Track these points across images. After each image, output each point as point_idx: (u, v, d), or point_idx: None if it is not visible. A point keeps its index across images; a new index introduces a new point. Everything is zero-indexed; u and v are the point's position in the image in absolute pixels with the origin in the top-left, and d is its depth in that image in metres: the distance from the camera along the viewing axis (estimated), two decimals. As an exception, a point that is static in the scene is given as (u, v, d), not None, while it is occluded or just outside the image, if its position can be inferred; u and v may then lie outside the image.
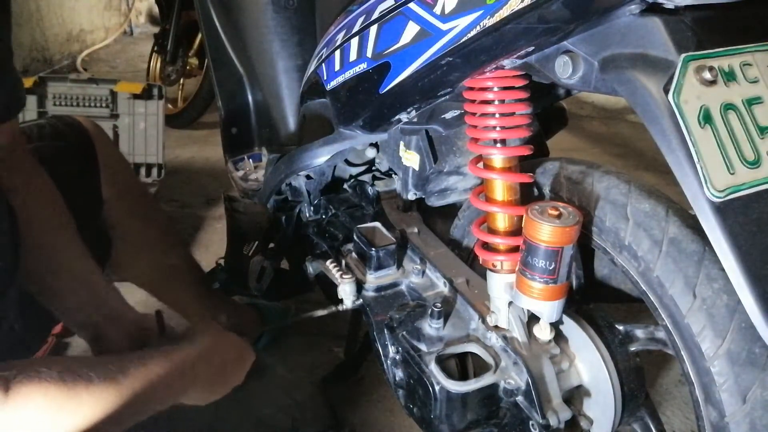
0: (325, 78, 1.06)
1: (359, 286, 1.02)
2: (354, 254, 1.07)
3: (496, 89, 0.82)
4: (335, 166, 1.23)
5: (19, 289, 0.91)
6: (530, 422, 0.82)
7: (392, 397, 0.98)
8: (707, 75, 0.62)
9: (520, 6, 0.65)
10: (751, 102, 0.64)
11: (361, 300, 1.01)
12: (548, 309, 0.80)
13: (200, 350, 0.87)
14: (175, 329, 0.95)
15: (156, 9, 3.27)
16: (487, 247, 0.88)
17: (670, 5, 0.62)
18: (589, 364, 0.86)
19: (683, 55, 0.61)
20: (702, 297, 0.69)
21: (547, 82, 0.79)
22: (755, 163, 0.63)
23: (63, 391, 0.66)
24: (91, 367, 0.70)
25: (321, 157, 1.15)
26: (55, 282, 0.95)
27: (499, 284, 0.86)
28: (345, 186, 1.25)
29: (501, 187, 0.85)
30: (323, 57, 1.06)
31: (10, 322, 0.89)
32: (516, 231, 0.85)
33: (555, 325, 0.86)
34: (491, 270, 0.87)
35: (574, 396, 0.88)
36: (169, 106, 2.83)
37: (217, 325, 0.94)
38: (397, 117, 0.96)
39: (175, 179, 2.37)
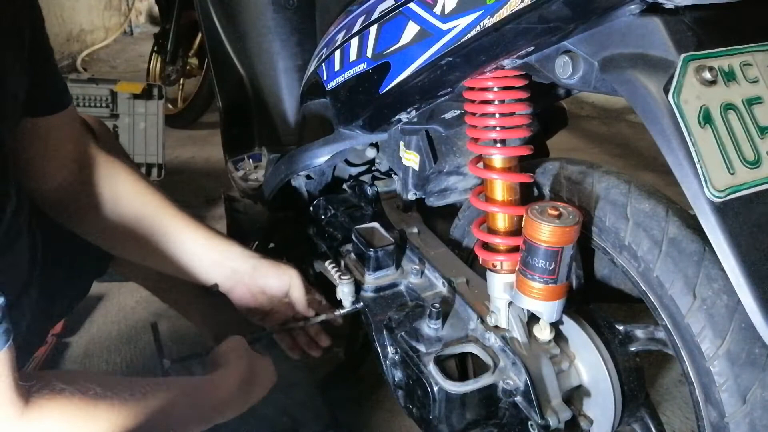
0: (325, 78, 1.06)
1: (358, 286, 1.02)
2: (353, 255, 1.07)
3: (496, 89, 0.82)
4: (335, 166, 1.23)
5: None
6: (529, 422, 0.82)
7: (392, 397, 0.98)
8: (707, 75, 0.62)
9: (520, 6, 0.65)
10: (751, 102, 0.64)
11: (360, 301, 1.01)
12: (548, 309, 0.80)
13: (233, 383, 0.88)
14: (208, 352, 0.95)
15: (156, 9, 3.27)
16: (487, 247, 0.88)
17: (670, 5, 0.62)
18: (589, 364, 0.86)
19: (683, 55, 0.61)
20: (702, 297, 0.69)
21: (547, 82, 0.79)
22: (755, 163, 0.63)
23: (81, 410, 0.66)
24: (113, 387, 0.70)
25: (321, 157, 1.15)
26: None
27: (499, 284, 0.86)
28: (345, 186, 1.25)
29: (501, 187, 0.85)
30: (323, 57, 1.06)
31: (22, 327, 0.90)
32: (516, 231, 0.85)
33: (555, 325, 0.86)
34: (491, 270, 0.87)
35: (574, 396, 0.88)
36: (169, 106, 2.83)
37: (244, 349, 0.94)
38: (397, 117, 0.96)
39: (175, 179, 2.37)
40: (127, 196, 0.98)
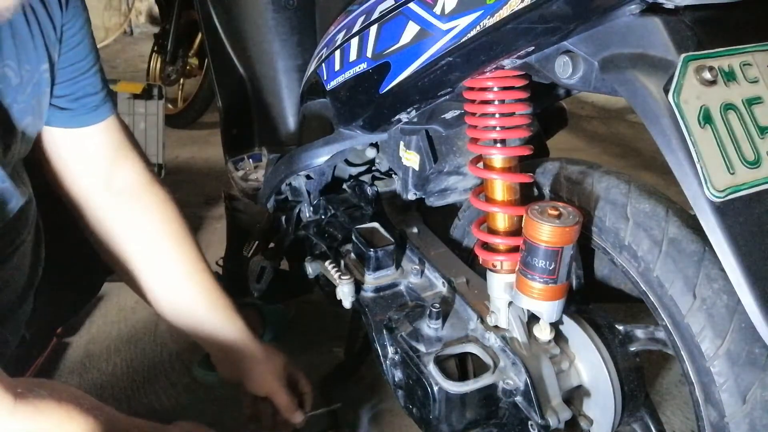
0: (325, 78, 1.06)
1: (358, 286, 1.02)
2: (353, 255, 1.07)
3: (496, 89, 0.82)
4: (335, 166, 1.23)
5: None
6: (529, 422, 0.82)
7: (392, 397, 0.98)
8: (707, 75, 0.62)
9: (520, 6, 0.65)
10: (751, 102, 0.64)
11: (360, 301, 1.01)
12: (548, 309, 0.80)
13: None
14: None
15: (156, 9, 3.28)
16: (487, 247, 0.88)
17: (670, 5, 0.62)
18: (589, 364, 0.86)
19: (683, 55, 0.61)
20: (702, 297, 0.69)
21: (547, 82, 0.79)
22: (755, 163, 0.63)
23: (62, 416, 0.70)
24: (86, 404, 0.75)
25: (321, 157, 1.15)
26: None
27: (499, 284, 0.86)
28: (344, 186, 1.25)
29: (501, 187, 0.85)
30: (323, 57, 1.06)
31: (19, 336, 0.91)
32: (516, 231, 0.85)
33: (555, 325, 0.86)
34: (491, 270, 0.87)
35: (574, 396, 0.88)
36: (169, 106, 2.83)
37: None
38: (397, 117, 0.96)
39: (175, 179, 2.37)
40: (153, 229, 1.02)
